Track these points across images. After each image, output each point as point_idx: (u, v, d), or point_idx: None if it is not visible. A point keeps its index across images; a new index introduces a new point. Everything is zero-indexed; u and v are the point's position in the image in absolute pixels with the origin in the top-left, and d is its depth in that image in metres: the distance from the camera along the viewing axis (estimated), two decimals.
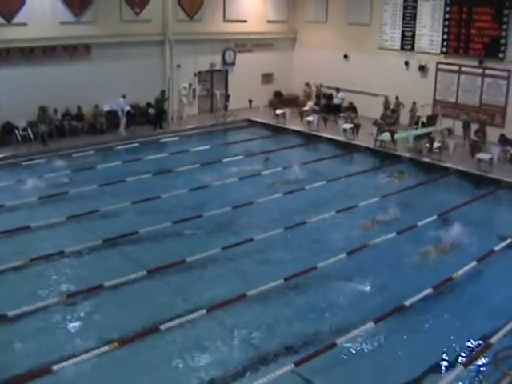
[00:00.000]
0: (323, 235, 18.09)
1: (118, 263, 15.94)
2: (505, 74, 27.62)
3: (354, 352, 12.26)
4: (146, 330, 12.41)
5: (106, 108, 28.55)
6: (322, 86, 34.18)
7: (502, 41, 27.42)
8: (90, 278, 14.68)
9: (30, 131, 25.61)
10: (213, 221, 18.64)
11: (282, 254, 16.88)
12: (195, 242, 17.36)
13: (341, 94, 32.53)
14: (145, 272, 14.94)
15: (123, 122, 28.58)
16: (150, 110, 29.40)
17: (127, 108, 28.57)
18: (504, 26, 27.28)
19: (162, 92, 29.74)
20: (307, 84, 34.61)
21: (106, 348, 11.54)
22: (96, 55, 27.98)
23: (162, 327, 12.34)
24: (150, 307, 13.73)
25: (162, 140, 28.13)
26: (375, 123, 27.93)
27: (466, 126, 27.18)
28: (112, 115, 28.66)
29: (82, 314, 13.37)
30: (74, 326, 12.99)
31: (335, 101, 32.78)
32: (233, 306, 13.62)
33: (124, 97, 28.32)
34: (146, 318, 13.08)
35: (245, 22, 33.94)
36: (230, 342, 12.64)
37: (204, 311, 13.11)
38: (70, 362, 11.14)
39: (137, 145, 27.01)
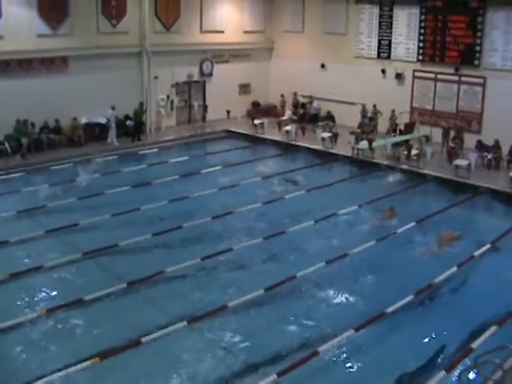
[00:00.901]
0: (303, 244, 18.14)
1: (97, 276, 15.85)
2: (480, 80, 27.92)
3: (335, 360, 12.25)
4: (128, 344, 12.30)
5: (83, 120, 28.41)
6: (296, 95, 34.24)
7: (477, 48, 27.73)
8: (69, 292, 14.60)
9: (7, 145, 25.38)
10: (193, 231, 18.62)
11: (262, 264, 16.94)
12: (175, 253, 17.32)
13: (314, 105, 32.55)
14: (124, 284, 14.87)
15: (113, 132, 28.52)
16: (128, 122, 29.27)
17: (104, 120, 28.53)
18: (478, 34, 27.61)
19: (141, 104, 29.68)
20: (282, 95, 34.63)
21: (88, 363, 11.43)
22: (73, 68, 27.85)
23: (144, 340, 12.24)
24: (130, 320, 13.65)
25: (140, 152, 28.01)
26: (353, 132, 28.01)
27: (446, 133, 27.35)
28: (90, 127, 28.55)
29: (62, 329, 13.27)
30: (54, 340, 12.87)
31: (311, 111, 32.82)
32: (214, 317, 13.58)
33: (113, 108, 28.28)
34: (128, 330, 12.99)
35: (222, 32, 34.00)
36: (211, 353, 12.62)
37: (185, 323, 13.05)
38: (53, 376, 11.03)
39: (115, 157, 26.87)
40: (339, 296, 15.17)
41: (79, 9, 27.69)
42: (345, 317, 13.97)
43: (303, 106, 33.81)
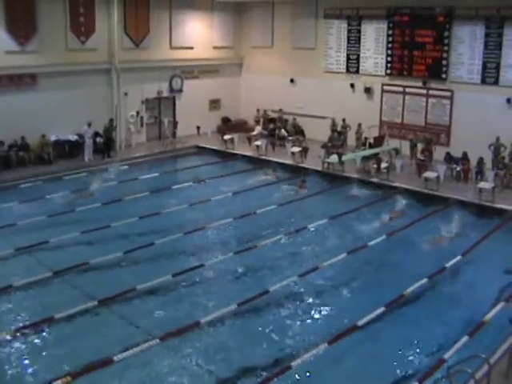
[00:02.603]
0: (274, 258, 18.15)
1: (68, 295, 15.61)
2: (448, 93, 28.32)
3: (308, 374, 12.26)
4: (100, 362, 12.14)
5: (53, 138, 28.19)
6: (266, 112, 34.30)
7: (444, 62, 28.17)
8: (40, 311, 14.42)
9: None
10: (164, 248, 18.52)
11: (234, 279, 16.92)
12: (146, 270, 17.17)
13: (283, 131, 32.35)
14: (95, 302, 14.73)
15: (89, 149, 28.41)
16: (98, 139, 29.08)
17: (75, 137, 28.36)
18: (445, 48, 28.09)
19: (111, 120, 29.58)
20: (258, 110, 34.62)
21: (59, 382, 11.27)
22: (42, 84, 27.66)
23: (116, 358, 12.12)
24: (102, 338, 13.51)
25: (110, 169, 27.85)
26: (323, 146, 28.11)
27: (413, 146, 27.60)
28: (60, 145, 28.35)
29: (32, 348, 13.07)
30: (24, 360, 12.67)
31: (279, 135, 32.50)
32: (187, 334, 13.50)
33: (89, 125, 28.15)
34: (99, 348, 12.84)
35: (191, 48, 34.06)
36: (185, 369, 12.52)
37: (157, 340, 12.96)
38: None
39: (85, 174, 26.70)
40: (312, 309, 15.18)
41: (48, 25, 27.54)
42: (318, 330, 14.00)
43: (273, 120, 33.84)
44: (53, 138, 28.25)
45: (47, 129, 27.80)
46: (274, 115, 34.05)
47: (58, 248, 18.53)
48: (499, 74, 26.76)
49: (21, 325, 13.84)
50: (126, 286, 15.60)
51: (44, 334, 13.58)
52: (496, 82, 26.88)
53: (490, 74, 27.04)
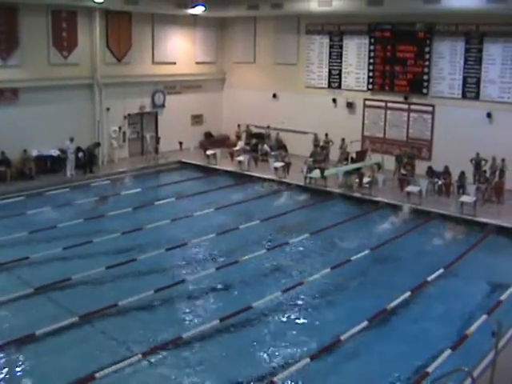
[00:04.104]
0: (257, 273, 18.13)
1: (50, 311, 15.44)
2: (429, 108, 28.52)
3: None
4: (82, 379, 12.00)
5: (34, 153, 28.02)
6: (248, 127, 34.36)
7: (425, 77, 28.37)
8: (21, 328, 14.20)
9: None
10: (146, 264, 18.39)
11: (216, 294, 16.84)
12: (128, 286, 17.01)
13: (265, 146, 32.32)
14: (76, 318, 14.58)
15: (72, 164, 28.30)
16: (80, 155, 28.95)
17: (57, 152, 28.29)
18: (426, 63, 28.32)
19: (97, 144, 29.84)
20: (239, 125, 34.61)
21: None
22: (24, 99, 27.52)
23: (98, 375, 12.00)
24: (83, 354, 13.37)
25: (92, 184, 27.73)
26: (305, 161, 28.15)
27: (399, 160, 27.65)
28: (41, 160, 28.17)
29: (12, 366, 12.90)
30: (4, 378, 12.52)
31: (263, 149, 32.53)
32: (169, 350, 13.43)
33: (72, 140, 28.09)
34: (81, 365, 12.70)
35: (174, 63, 34.08)
36: None
37: (140, 356, 12.87)
38: None
39: (67, 190, 26.56)
40: (295, 324, 15.15)
41: (30, 40, 27.49)
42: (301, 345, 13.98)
43: (255, 136, 33.87)
44: (34, 153, 28.06)
45: (29, 144, 27.63)
46: (257, 130, 34.07)
47: (39, 264, 18.33)
48: (480, 89, 27.01)
49: (1, 342, 13.62)
50: (108, 301, 15.48)
51: (25, 350, 13.39)
52: (477, 97, 27.12)
53: (470, 89, 27.28)
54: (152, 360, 13.04)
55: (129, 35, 31.70)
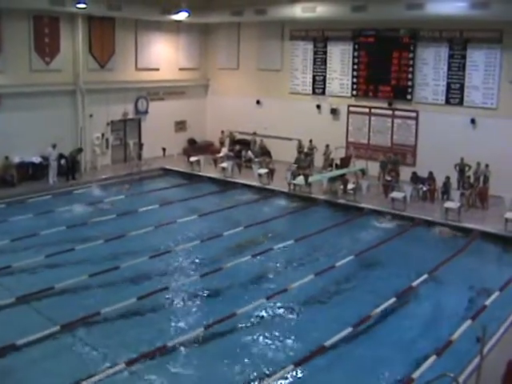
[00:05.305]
0: (241, 280, 17.99)
1: (32, 320, 15.17)
2: (413, 114, 28.54)
3: None
4: None
5: (16, 160, 27.73)
6: (232, 133, 34.27)
7: (409, 83, 28.37)
8: (1, 338, 13.98)
9: None
10: (129, 271, 18.18)
11: (200, 302, 16.68)
12: (111, 294, 16.77)
13: (249, 153, 32.20)
14: (58, 327, 14.35)
15: (54, 171, 28.05)
16: (63, 162, 28.70)
17: (38, 159, 28.03)
18: (410, 69, 28.33)
19: (79, 150, 29.52)
20: (222, 132, 34.47)
21: None
22: (5, 105, 27.21)
23: None
24: (65, 364, 13.17)
25: (75, 191, 27.48)
26: (289, 168, 28.04)
27: (384, 166, 27.59)
28: (23, 167, 27.89)
29: None
30: None
31: (247, 156, 32.39)
32: (153, 358, 13.25)
33: (54, 146, 27.85)
34: (62, 375, 12.49)
35: (157, 70, 33.94)
36: None
37: (123, 365, 12.69)
38: None
39: (49, 197, 26.30)
40: (278, 332, 15.01)
41: (12, 45, 27.23)
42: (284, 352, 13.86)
43: (239, 142, 33.76)
44: (16, 159, 27.74)
45: (11, 150, 27.31)
46: (241, 136, 33.98)
47: (21, 273, 18.02)
48: (463, 95, 27.07)
49: None
50: (91, 309, 15.28)
51: (6, 361, 13.13)
52: (460, 103, 27.18)
53: (454, 95, 27.34)
54: (135, 369, 12.83)
55: (112, 41, 31.48)
